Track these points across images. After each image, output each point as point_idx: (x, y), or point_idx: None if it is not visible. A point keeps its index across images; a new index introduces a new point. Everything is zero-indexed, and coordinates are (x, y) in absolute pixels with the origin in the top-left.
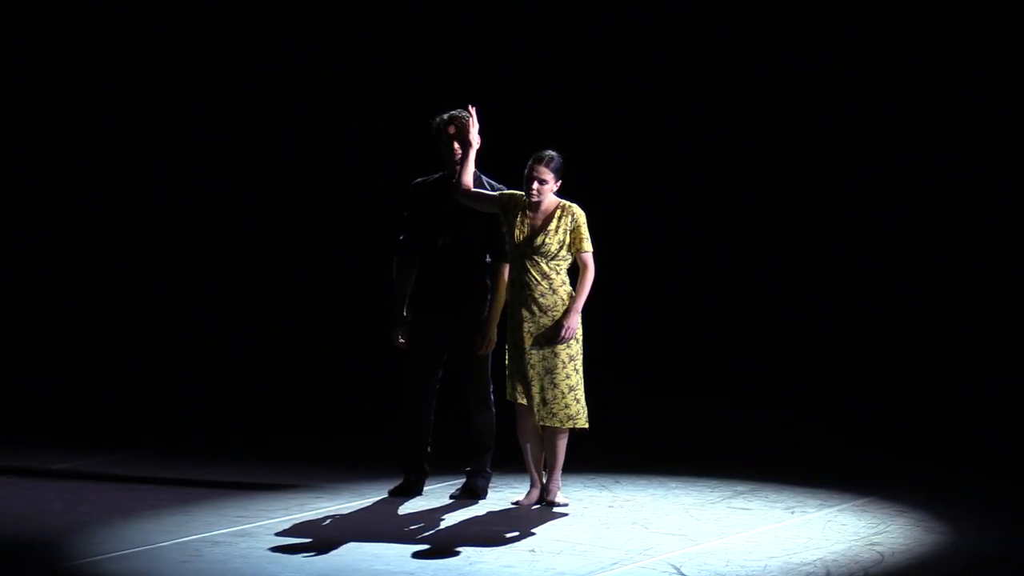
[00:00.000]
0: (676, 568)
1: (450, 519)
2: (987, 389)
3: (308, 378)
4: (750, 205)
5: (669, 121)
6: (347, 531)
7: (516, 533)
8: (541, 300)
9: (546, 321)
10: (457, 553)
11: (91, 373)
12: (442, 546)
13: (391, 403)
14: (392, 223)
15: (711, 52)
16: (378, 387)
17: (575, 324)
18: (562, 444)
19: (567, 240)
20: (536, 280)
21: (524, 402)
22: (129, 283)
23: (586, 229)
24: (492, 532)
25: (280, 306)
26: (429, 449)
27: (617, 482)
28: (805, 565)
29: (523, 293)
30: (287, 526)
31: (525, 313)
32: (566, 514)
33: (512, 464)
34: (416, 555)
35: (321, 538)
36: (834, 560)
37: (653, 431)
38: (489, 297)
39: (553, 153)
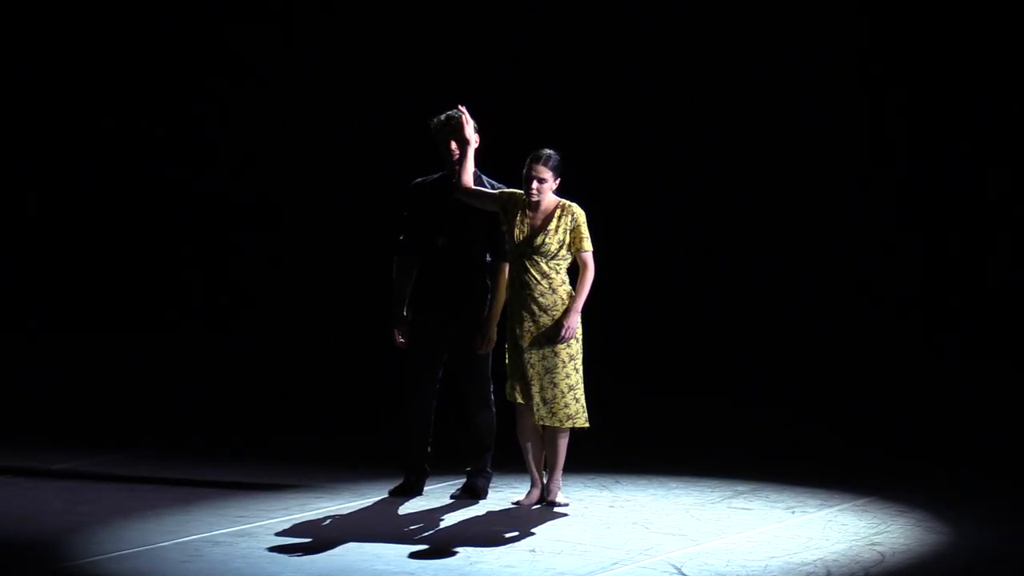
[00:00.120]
0: (677, 568)
1: (450, 519)
2: (987, 389)
3: (308, 378)
4: (750, 205)
5: (669, 121)
6: (347, 531)
7: (516, 533)
8: (541, 300)
9: (546, 321)
10: (457, 553)
11: (91, 373)
12: (442, 546)
13: (391, 403)
14: (392, 223)
15: (711, 52)
16: (378, 387)
17: (575, 324)
18: (563, 444)
19: (567, 240)
20: (536, 280)
21: (523, 402)
22: (129, 283)
23: (586, 228)
24: (492, 532)
25: (280, 306)
26: (429, 449)
27: (617, 482)
28: (806, 565)
29: (523, 293)
30: (287, 526)
31: (525, 313)
32: (566, 514)
33: (512, 464)
34: (416, 555)
35: (321, 538)
36: (835, 560)
37: (653, 431)
38: (489, 297)
39: (551, 152)
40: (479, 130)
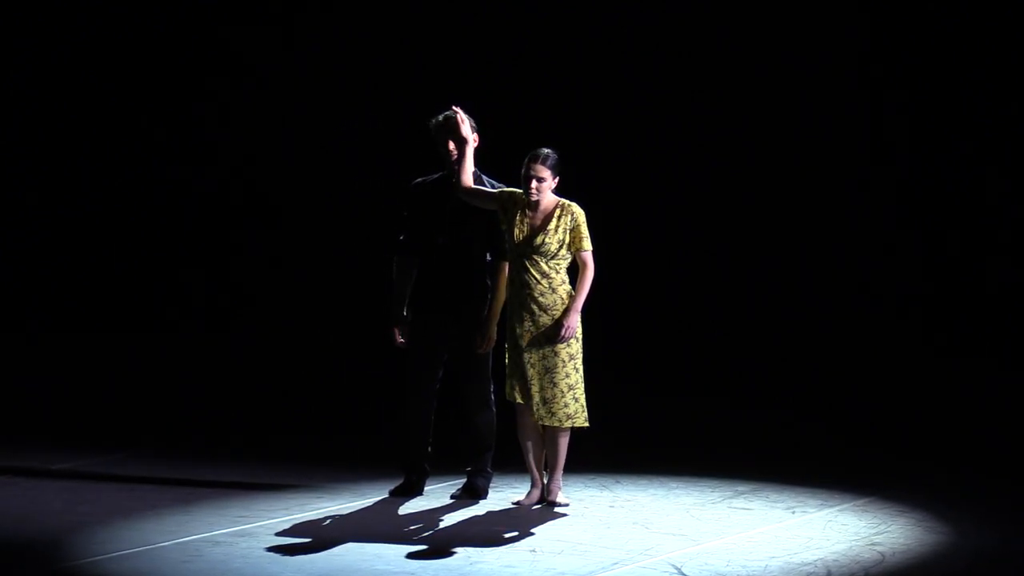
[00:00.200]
0: (677, 568)
1: (450, 519)
2: (987, 389)
3: (308, 378)
4: (750, 205)
5: (669, 121)
6: (347, 531)
7: (516, 533)
8: (541, 299)
9: (545, 320)
10: (457, 553)
11: (91, 373)
12: (442, 546)
13: (391, 403)
14: (392, 223)
15: (711, 52)
16: (378, 387)
17: (575, 323)
18: (563, 444)
19: (567, 239)
20: (536, 279)
21: (523, 401)
22: (129, 283)
23: (586, 228)
24: (492, 532)
25: (280, 306)
26: (430, 449)
27: (618, 482)
28: (806, 565)
29: (522, 292)
30: (287, 526)
31: (524, 312)
32: (567, 514)
33: (513, 464)
34: (416, 555)
35: (321, 538)
36: (835, 560)
37: (653, 431)
38: (489, 296)
39: (548, 151)
40: (477, 129)
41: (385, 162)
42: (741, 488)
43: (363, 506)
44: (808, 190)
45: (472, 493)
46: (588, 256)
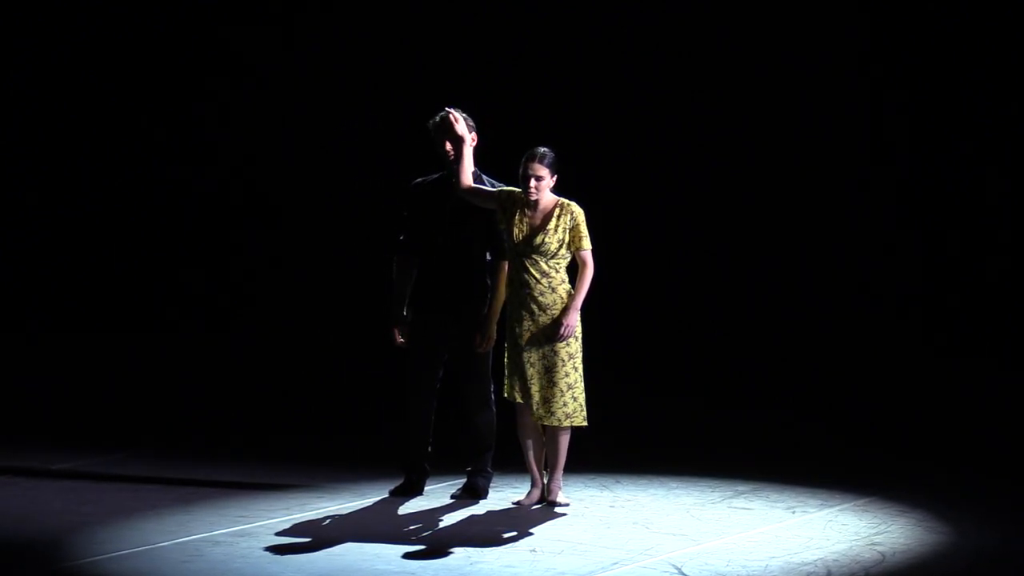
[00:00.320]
0: (677, 568)
1: (450, 519)
2: (987, 389)
3: (308, 378)
4: (750, 205)
5: (669, 121)
6: (347, 531)
7: (516, 533)
8: (540, 299)
9: (545, 320)
10: (457, 553)
11: (91, 373)
12: (442, 546)
13: (391, 403)
14: (392, 223)
15: (711, 52)
16: (378, 387)
17: (574, 322)
18: (563, 443)
19: (566, 239)
20: (535, 279)
21: (522, 401)
22: (129, 283)
23: (585, 227)
24: (493, 532)
25: (280, 306)
26: (430, 449)
27: (618, 482)
28: (806, 565)
29: (522, 292)
30: (288, 526)
31: (524, 312)
32: (566, 514)
33: (513, 464)
34: (416, 555)
35: (321, 538)
36: (835, 560)
37: (653, 431)
38: (489, 296)
39: (546, 149)
40: (476, 128)
41: (385, 162)
42: (741, 488)
43: (363, 506)
44: (808, 190)
45: (472, 493)
46: (588, 255)
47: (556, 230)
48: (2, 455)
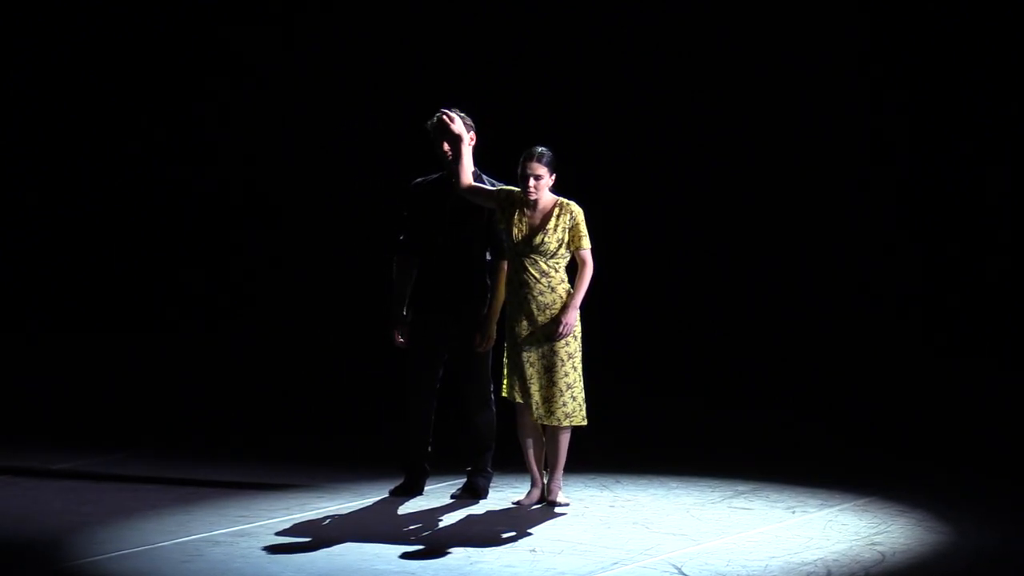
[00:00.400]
0: (677, 568)
1: (450, 519)
2: (987, 389)
3: (308, 378)
4: (750, 205)
5: (669, 121)
6: (347, 531)
7: (517, 533)
8: (540, 298)
9: (545, 319)
10: (457, 553)
11: (91, 373)
12: (442, 546)
13: (391, 403)
14: (392, 223)
15: (711, 52)
16: (378, 387)
17: (573, 320)
18: (563, 443)
19: (566, 238)
20: (535, 278)
21: (522, 400)
22: (129, 283)
23: (584, 226)
24: (493, 532)
25: (280, 306)
26: (430, 449)
27: (618, 482)
28: (806, 565)
29: (521, 291)
30: (288, 526)
31: (523, 311)
32: (566, 514)
33: (513, 464)
34: (416, 555)
35: (321, 538)
36: (835, 560)
37: (653, 431)
38: (489, 296)
39: (543, 148)
40: (474, 127)
41: (385, 162)
42: (741, 488)
43: (363, 506)
44: (808, 190)
45: (472, 493)
46: (587, 254)
47: (555, 230)
48: (2, 455)
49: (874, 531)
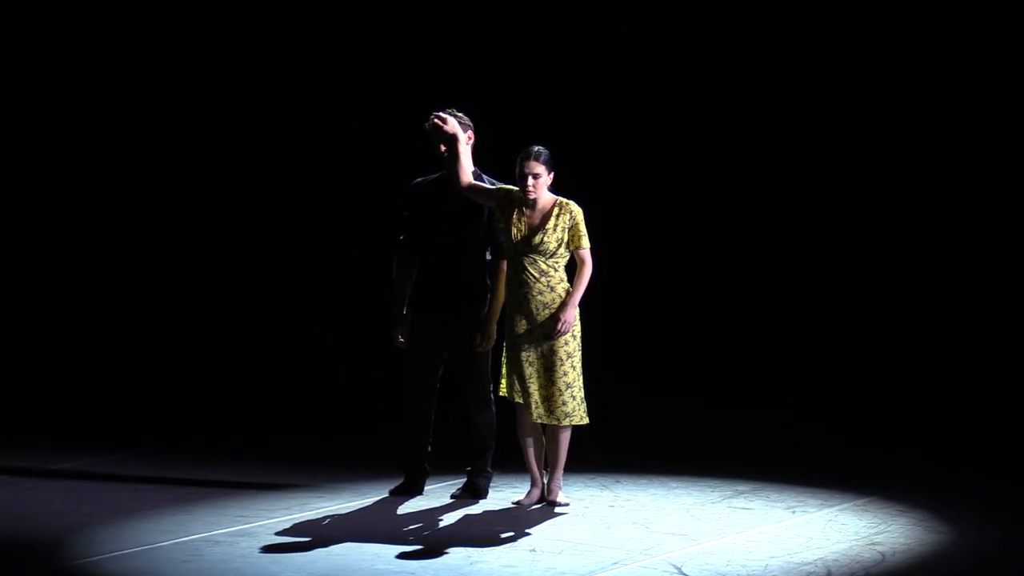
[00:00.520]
0: (677, 568)
1: (450, 519)
2: (987, 389)
3: (308, 378)
4: (750, 205)
5: (669, 121)
6: (347, 531)
7: (516, 533)
8: (539, 298)
9: (544, 319)
10: (457, 553)
11: (91, 373)
12: (442, 546)
13: (391, 403)
14: (392, 223)
15: (711, 52)
16: (378, 387)
17: (571, 317)
18: (563, 443)
19: (565, 238)
20: (534, 278)
21: (521, 400)
22: (129, 283)
23: (584, 226)
24: (492, 532)
25: (280, 306)
26: (430, 448)
27: (618, 482)
28: (806, 565)
29: (521, 291)
30: (288, 526)
31: (523, 311)
32: (566, 514)
33: (513, 464)
34: (416, 555)
35: (322, 538)
36: (835, 560)
37: (653, 431)
38: (489, 295)
39: (540, 147)
40: (472, 126)
41: (385, 162)
42: (741, 488)
43: (363, 506)
44: (808, 190)
45: (472, 493)
46: (586, 254)
47: (555, 229)
48: (2, 455)
49: (874, 531)
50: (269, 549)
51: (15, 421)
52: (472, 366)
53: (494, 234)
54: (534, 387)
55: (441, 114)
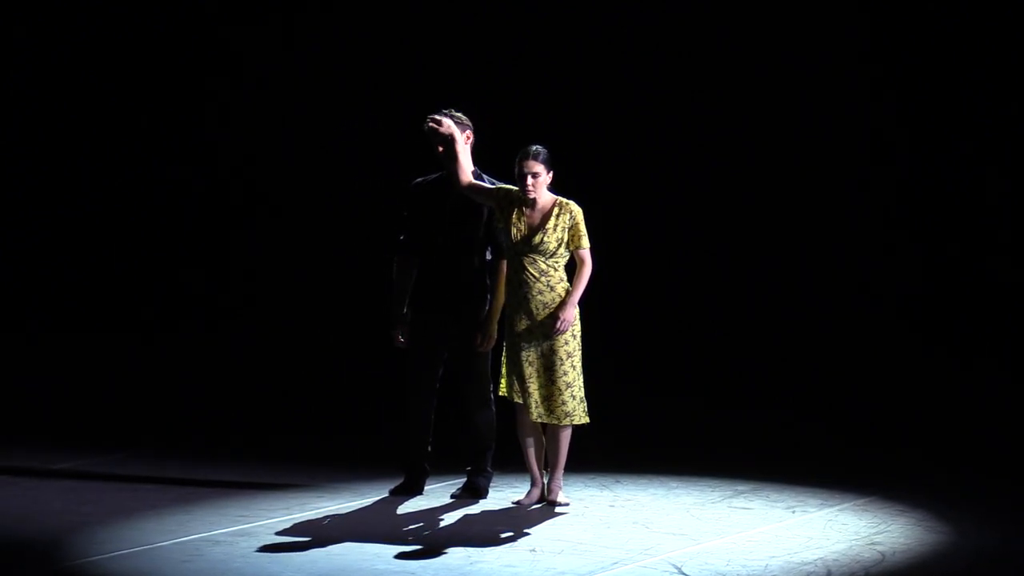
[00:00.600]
0: (677, 568)
1: (450, 519)
2: (987, 389)
3: (308, 378)
4: (750, 205)
5: (669, 121)
6: (347, 531)
7: (516, 533)
8: (539, 297)
9: (544, 318)
10: (457, 553)
11: (91, 373)
12: (442, 546)
13: (391, 403)
14: (392, 223)
15: (711, 52)
16: (378, 387)
17: (571, 316)
18: (564, 442)
19: (565, 238)
20: (534, 278)
21: (520, 400)
22: (129, 283)
23: (584, 226)
24: (492, 532)
25: (280, 306)
26: (430, 448)
27: (618, 481)
28: (806, 564)
29: (521, 291)
30: (288, 526)
31: (522, 311)
32: (566, 514)
33: (513, 463)
34: (416, 555)
35: (321, 538)
36: (835, 560)
37: (653, 431)
38: (489, 295)
39: (538, 146)
40: (471, 126)
41: (385, 162)
42: (741, 488)
43: (363, 506)
44: (808, 190)
45: (472, 493)
46: (586, 253)
47: (555, 229)
48: (2, 455)
49: (874, 531)
50: (269, 549)
51: (15, 421)
52: (472, 366)
53: (494, 234)
54: (534, 387)
55: (436, 116)
